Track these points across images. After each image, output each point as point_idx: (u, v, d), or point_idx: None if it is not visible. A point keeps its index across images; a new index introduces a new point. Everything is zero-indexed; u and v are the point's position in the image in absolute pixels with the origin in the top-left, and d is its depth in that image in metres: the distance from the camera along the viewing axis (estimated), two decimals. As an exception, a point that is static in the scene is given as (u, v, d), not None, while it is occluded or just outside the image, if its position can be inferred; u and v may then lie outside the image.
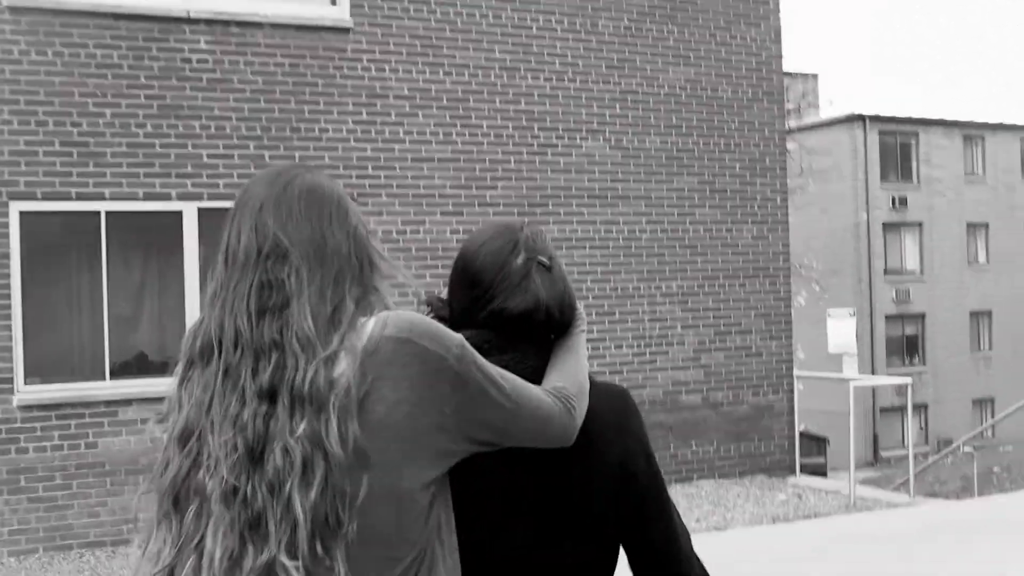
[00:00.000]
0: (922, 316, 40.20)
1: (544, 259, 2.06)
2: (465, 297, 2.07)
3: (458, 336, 1.79)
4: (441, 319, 2.04)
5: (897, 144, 39.85)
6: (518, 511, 1.98)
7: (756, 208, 12.78)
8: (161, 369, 10.04)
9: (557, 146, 11.77)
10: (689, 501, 11.15)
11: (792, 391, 13.01)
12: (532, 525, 1.98)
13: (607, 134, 12.01)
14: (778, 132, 13.00)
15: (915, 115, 40.37)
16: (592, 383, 2.08)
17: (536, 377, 1.97)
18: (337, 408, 1.64)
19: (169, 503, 1.71)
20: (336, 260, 1.78)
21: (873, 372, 37.83)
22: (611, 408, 2.06)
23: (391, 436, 1.68)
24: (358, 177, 10.83)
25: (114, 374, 9.93)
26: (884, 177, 39.32)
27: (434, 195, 11.19)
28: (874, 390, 37.95)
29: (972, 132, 41.66)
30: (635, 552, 2.08)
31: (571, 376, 1.98)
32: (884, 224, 39.10)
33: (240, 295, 1.73)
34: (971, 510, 10.28)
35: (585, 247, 11.79)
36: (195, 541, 1.67)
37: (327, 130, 10.77)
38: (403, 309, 1.79)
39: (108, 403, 9.83)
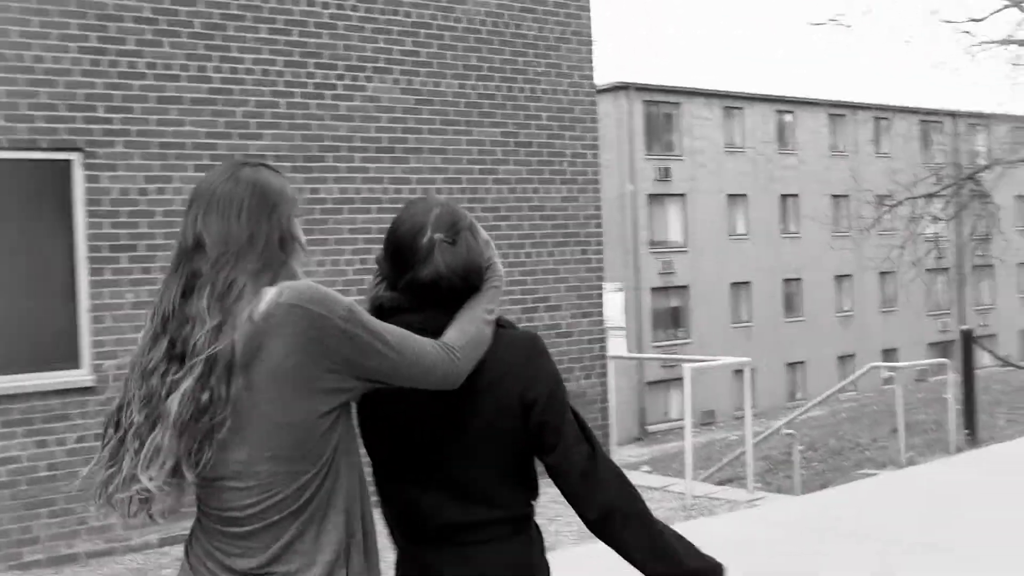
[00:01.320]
0: (686, 288, 40.08)
1: (447, 237, 2.46)
2: (390, 265, 2.55)
3: (347, 300, 2.23)
4: (383, 278, 2.57)
5: (660, 114, 39.47)
6: (431, 434, 2.44)
7: (565, 165, 11.09)
8: None
9: (336, 87, 9.71)
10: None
11: (605, 375, 11.46)
12: (444, 446, 2.43)
13: (396, 75, 10.03)
14: (588, 79, 11.35)
15: (677, 85, 40.12)
16: (507, 330, 2.52)
17: (442, 333, 2.39)
18: (220, 366, 2.12)
19: (111, 427, 2.26)
20: (237, 244, 2.22)
21: (640, 346, 37.56)
22: (517, 352, 2.48)
23: (283, 380, 2.15)
24: (85, 121, 8.50)
25: None
26: (649, 148, 38.87)
27: (184, 144, 8.93)
28: (641, 363, 37.68)
29: (731, 103, 41.79)
30: (550, 470, 2.50)
31: (461, 331, 2.40)
32: (649, 195, 38.66)
33: (174, 280, 2.24)
34: (829, 505, 8.96)
35: (371, 210, 9.79)
36: (112, 460, 2.22)
37: (43, 59, 8.37)
38: (309, 279, 2.27)
39: None
